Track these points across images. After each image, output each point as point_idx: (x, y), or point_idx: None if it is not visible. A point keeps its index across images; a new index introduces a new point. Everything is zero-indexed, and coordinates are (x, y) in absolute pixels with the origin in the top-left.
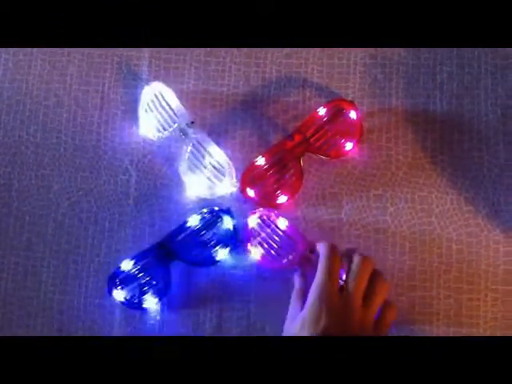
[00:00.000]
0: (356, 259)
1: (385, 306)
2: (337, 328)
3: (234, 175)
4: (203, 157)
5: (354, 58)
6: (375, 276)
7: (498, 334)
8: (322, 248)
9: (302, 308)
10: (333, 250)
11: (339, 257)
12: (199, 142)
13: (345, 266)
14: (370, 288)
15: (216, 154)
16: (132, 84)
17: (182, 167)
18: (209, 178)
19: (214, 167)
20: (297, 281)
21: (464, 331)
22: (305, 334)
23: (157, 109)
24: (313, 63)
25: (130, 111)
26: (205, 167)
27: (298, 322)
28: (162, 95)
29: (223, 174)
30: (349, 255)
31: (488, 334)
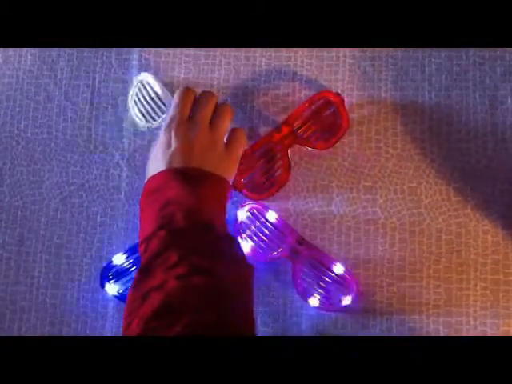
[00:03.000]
0: (201, 93)
1: (232, 130)
2: (185, 147)
3: None
4: None
5: (344, 51)
6: (219, 105)
7: (488, 322)
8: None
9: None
10: (183, 92)
11: (191, 93)
12: None
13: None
14: (215, 114)
15: None
16: (122, 78)
17: None
18: None
19: None
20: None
21: (453, 320)
22: (159, 157)
23: (145, 99)
24: (302, 56)
25: (121, 105)
26: None
27: (155, 148)
28: (150, 85)
29: None
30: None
31: (478, 323)
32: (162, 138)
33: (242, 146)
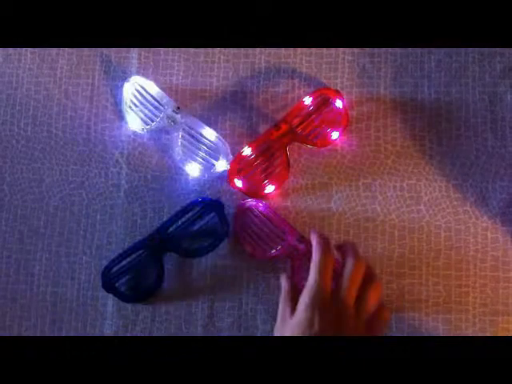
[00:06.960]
0: (349, 264)
1: (378, 309)
2: (329, 331)
3: (229, 152)
4: (196, 139)
5: (343, 48)
6: (368, 279)
7: (487, 319)
8: (315, 244)
9: (292, 311)
10: (327, 246)
11: (332, 255)
12: (189, 126)
13: (336, 264)
14: (363, 292)
15: (208, 134)
16: (121, 76)
17: (177, 154)
18: (205, 159)
19: (208, 147)
20: (284, 282)
21: (453, 317)
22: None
23: (141, 102)
24: (301, 53)
25: (120, 104)
26: (199, 149)
27: (289, 327)
28: (143, 88)
29: (218, 153)
30: (342, 253)
31: (477, 320)
32: (302, 314)
33: (384, 327)
